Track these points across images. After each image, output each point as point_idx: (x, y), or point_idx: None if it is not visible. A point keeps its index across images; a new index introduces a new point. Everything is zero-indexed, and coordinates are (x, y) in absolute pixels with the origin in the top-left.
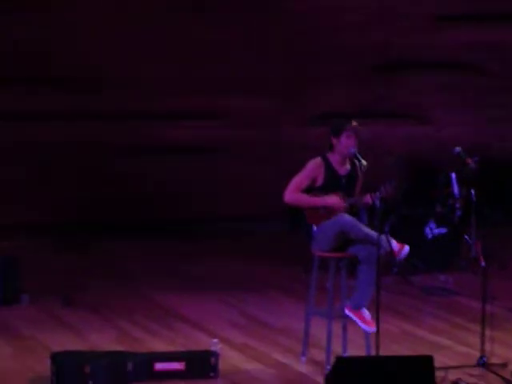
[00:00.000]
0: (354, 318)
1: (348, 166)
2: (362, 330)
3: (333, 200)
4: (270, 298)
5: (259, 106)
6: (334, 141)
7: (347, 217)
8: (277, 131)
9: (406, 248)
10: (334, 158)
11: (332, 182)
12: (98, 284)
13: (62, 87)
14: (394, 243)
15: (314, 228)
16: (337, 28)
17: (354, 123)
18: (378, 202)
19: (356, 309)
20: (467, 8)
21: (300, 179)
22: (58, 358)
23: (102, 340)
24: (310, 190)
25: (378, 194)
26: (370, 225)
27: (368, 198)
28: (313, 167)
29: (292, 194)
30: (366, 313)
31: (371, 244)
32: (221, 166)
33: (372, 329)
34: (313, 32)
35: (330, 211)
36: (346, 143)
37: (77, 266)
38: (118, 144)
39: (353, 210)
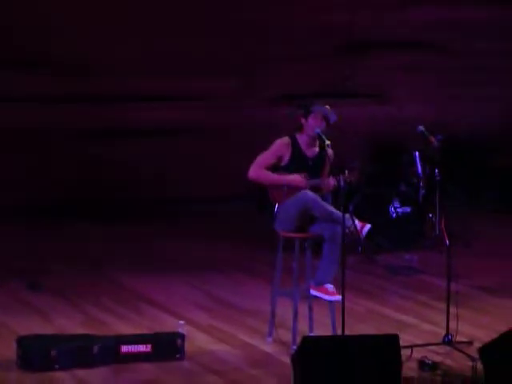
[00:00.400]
0: (318, 293)
1: (316, 149)
2: (327, 304)
3: (296, 179)
4: (236, 280)
5: (222, 87)
6: (303, 121)
7: (310, 194)
8: (240, 112)
9: (368, 226)
10: (302, 139)
11: (297, 163)
12: (64, 268)
13: (33, 71)
14: (357, 222)
15: (277, 207)
16: (300, 8)
17: (325, 106)
18: (342, 183)
19: (320, 285)
20: None
21: (266, 157)
22: (24, 342)
23: (69, 324)
24: (275, 169)
25: (341, 177)
26: (335, 204)
27: (331, 181)
28: (279, 146)
29: (256, 170)
30: (330, 286)
31: (335, 223)
32: (182, 148)
33: (336, 298)
34: (276, 12)
35: (293, 190)
36: (312, 124)
37: (43, 249)
38: (84, 127)
39: (317, 190)
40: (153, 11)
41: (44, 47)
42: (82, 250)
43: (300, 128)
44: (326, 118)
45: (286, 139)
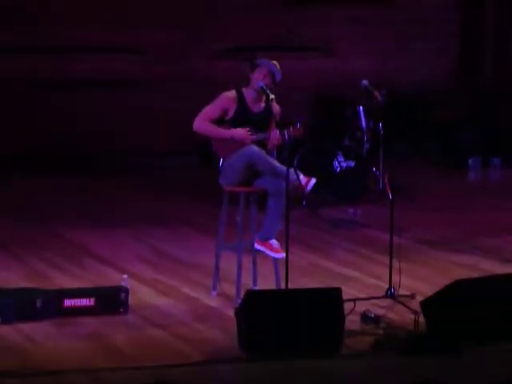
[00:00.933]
0: (263, 248)
1: (263, 104)
2: (271, 258)
3: (240, 133)
4: (181, 234)
5: (169, 40)
6: (250, 75)
7: (254, 148)
8: (187, 65)
9: (313, 180)
10: (248, 94)
11: (242, 117)
12: (8, 220)
13: None
14: (302, 176)
15: (221, 161)
16: None
17: (271, 61)
18: (286, 138)
19: (264, 240)
20: None
21: (211, 109)
22: None
23: (11, 277)
24: (219, 122)
25: (285, 132)
26: (279, 159)
27: (275, 136)
28: (225, 99)
29: (201, 122)
30: (275, 242)
31: (280, 177)
32: (131, 100)
33: (281, 255)
34: None
35: (237, 144)
36: (257, 78)
37: None
38: (29, 78)
39: (262, 145)
40: None
41: None
42: (28, 203)
43: (248, 82)
44: (271, 74)
45: (232, 93)
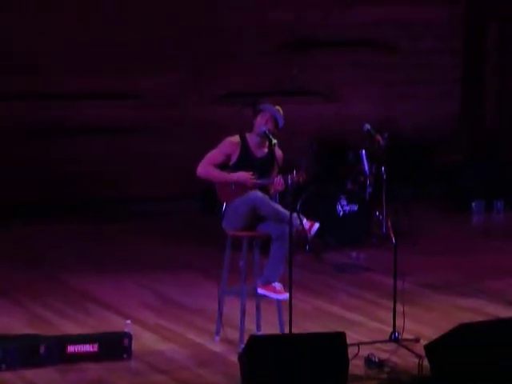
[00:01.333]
0: (266, 292)
1: (266, 150)
2: (275, 302)
3: (244, 176)
4: (184, 279)
5: (168, 85)
6: (253, 120)
7: (258, 193)
8: (186, 110)
9: (317, 225)
10: (252, 139)
11: (245, 163)
12: (8, 267)
13: None
14: (305, 221)
15: (225, 206)
16: (247, 6)
17: (274, 106)
18: (289, 183)
19: (267, 284)
20: None
21: (214, 154)
22: None
23: (14, 323)
24: (223, 167)
25: (289, 177)
26: (282, 203)
27: (279, 182)
28: (229, 144)
29: (205, 167)
30: (277, 284)
31: (283, 222)
32: (132, 146)
33: (283, 296)
34: (223, 9)
35: (241, 188)
36: (259, 122)
37: None
38: (27, 125)
39: (265, 189)
40: (96, 9)
41: None
42: (29, 249)
43: (251, 127)
44: (274, 119)
45: (235, 138)
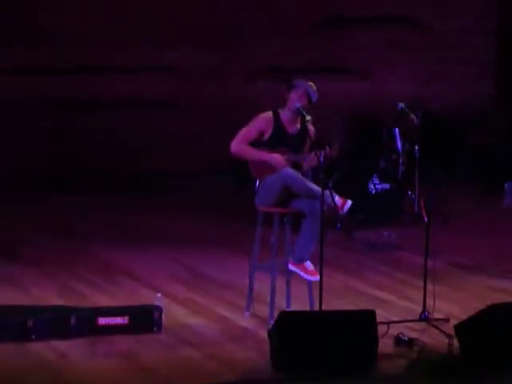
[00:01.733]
0: (297, 270)
1: (298, 126)
2: (306, 281)
3: (277, 159)
4: (216, 254)
5: (207, 60)
6: (286, 96)
7: (290, 170)
8: (225, 85)
9: (349, 202)
10: (284, 115)
11: (279, 139)
12: (42, 239)
13: (6, 43)
14: (337, 198)
15: (258, 182)
16: None
17: (307, 82)
18: (321, 159)
19: (299, 262)
20: None
21: (248, 131)
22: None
23: (45, 295)
24: (256, 143)
25: (321, 152)
26: (314, 180)
27: (312, 158)
28: (262, 121)
29: (238, 145)
30: (309, 264)
31: (315, 199)
32: (170, 121)
33: (315, 277)
34: None
35: (274, 166)
36: (293, 99)
37: (19, 221)
38: (62, 99)
39: (297, 168)
40: None
41: (18, 20)
42: (60, 221)
43: (285, 103)
44: (307, 95)
45: (268, 114)
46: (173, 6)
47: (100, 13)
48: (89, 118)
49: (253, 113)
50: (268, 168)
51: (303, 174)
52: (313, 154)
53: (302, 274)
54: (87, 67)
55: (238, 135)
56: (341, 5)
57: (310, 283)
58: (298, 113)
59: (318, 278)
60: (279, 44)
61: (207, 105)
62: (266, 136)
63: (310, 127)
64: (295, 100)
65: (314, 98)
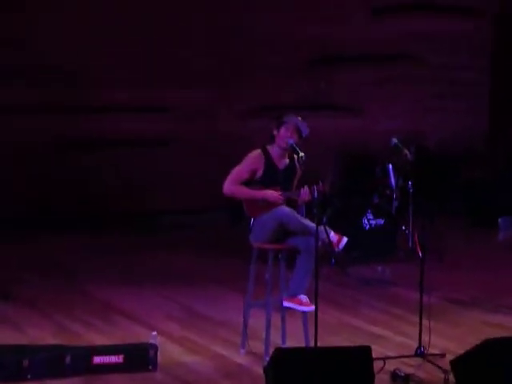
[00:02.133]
0: (292, 305)
1: (287, 160)
2: (301, 313)
3: (273, 195)
4: (210, 291)
5: (197, 99)
6: (275, 132)
7: (285, 209)
8: (215, 124)
9: (345, 239)
10: (273, 151)
11: (271, 176)
12: (37, 278)
13: (6, 82)
14: (333, 234)
15: (252, 220)
16: (275, 21)
17: (297, 117)
18: (315, 194)
19: (293, 296)
20: None
21: (239, 172)
22: None
23: (40, 334)
24: (248, 182)
25: (314, 187)
26: (309, 216)
27: (305, 193)
28: (253, 160)
29: (231, 185)
30: (303, 296)
31: (310, 235)
32: (160, 159)
33: (310, 308)
34: (250, 25)
35: (268, 203)
36: (284, 135)
37: (16, 260)
38: (60, 138)
39: (291, 204)
40: (129, 23)
41: (19, 58)
42: (55, 261)
43: (272, 139)
44: (298, 130)
45: (258, 152)
46: (165, 46)
47: (98, 52)
48: (82, 158)
49: (243, 150)
50: (262, 206)
51: (297, 210)
52: (306, 188)
53: (297, 307)
54: (83, 106)
55: (230, 176)
56: (331, 42)
57: (305, 319)
58: (292, 149)
59: (313, 308)
60: (270, 82)
61: (198, 143)
62: (259, 174)
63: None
64: (286, 136)
65: (305, 132)
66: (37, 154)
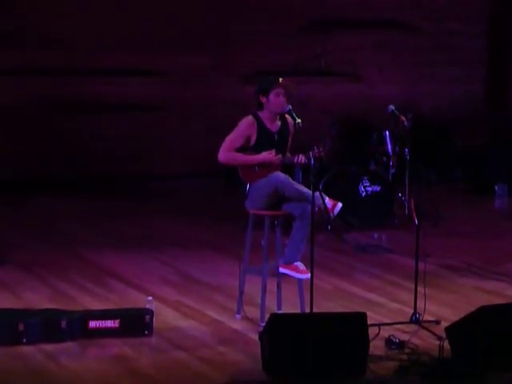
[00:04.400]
0: (288, 271)
1: (278, 122)
2: (298, 280)
3: (268, 157)
4: (206, 257)
5: (194, 64)
6: (263, 99)
7: (281, 175)
8: (212, 89)
9: (339, 205)
10: (264, 116)
11: (265, 140)
12: (33, 242)
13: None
14: (328, 200)
15: (248, 186)
16: None
17: (282, 79)
18: (312, 161)
19: (289, 263)
20: None
21: (234, 138)
22: None
23: (36, 298)
24: (243, 148)
25: (310, 153)
26: (305, 182)
27: (302, 158)
28: (246, 126)
29: (226, 153)
30: (299, 263)
31: (305, 201)
32: (156, 124)
33: (307, 275)
34: None
35: (264, 169)
36: (275, 101)
37: (11, 223)
38: (55, 101)
39: (287, 168)
40: None
41: (13, 22)
42: (49, 224)
43: (260, 106)
44: (286, 91)
45: (250, 118)
46: (161, 11)
47: (89, 14)
48: (77, 121)
49: (240, 116)
50: (258, 172)
51: (293, 176)
52: (301, 156)
53: (293, 273)
54: (73, 69)
55: (224, 144)
56: (328, 8)
57: (300, 285)
58: (290, 115)
59: (309, 275)
60: (267, 48)
61: (194, 108)
62: (253, 140)
63: (289, 120)
64: (276, 102)
65: (292, 89)
66: (26, 116)
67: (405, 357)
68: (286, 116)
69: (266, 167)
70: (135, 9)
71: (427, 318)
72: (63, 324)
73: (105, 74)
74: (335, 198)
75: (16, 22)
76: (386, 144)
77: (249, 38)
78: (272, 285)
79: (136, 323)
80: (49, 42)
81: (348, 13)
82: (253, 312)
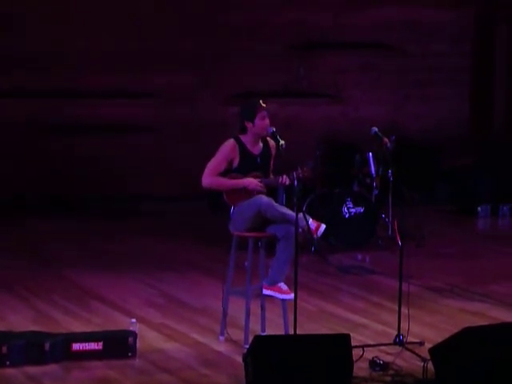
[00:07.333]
0: (271, 293)
1: (260, 145)
2: (281, 300)
3: (250, 182)
4: (190, 278)
5: (180, 84)
6: (249, 124)
7: (264, 198)
8: (198, 110)
9: (323, 226)
10: (246, 140)
11: (248, 163)
12: (16, 262)
13: None
14: (312, 221)
15: (232, 208)
16: (259, 6)
17: (263, 102)
18: (295, 182)
19: (273, 284)
20: None
21: (216, 163)
22: None
23: (19, 320)
24: (226, 172)
25: (294, 174)
26: (288, 204)
27: (285, 179)
28: (228, 150)
29: (209, 178)
30: (283, 284)
31: (289, 223)
32: (143, 145)
33: (290, 296)
34: (235, 10)
35: (247, 192)
36: (261, 125)
37: None
38: (42, 123)
39: (270, 191)
40: (116, 9)
41: (7, 45)
42: (34, 245)
43: (243, 130)
44: (268, 113)
45: (231, 142)
46: (148, 34)
47: (75, 38)
48: (63, 142)
49: (225, 136)
50: (242, 194)
51: (276, 198)
52: (285, 177)
53: (276, 294)
54: (62, 92)
55: (206, 169)
56: (314, 29)
57: (284, 306)
58: (273, 137)
59: (292, 296)
60: (253, 69)
61: (180, 129)
62: (235, 163)
63: (271, 142)
64: (262, 125)
65: (271, 110)
66: (16, 137)
67: (389, 378)
68: (268, 138)
69: (249, 191)
70: (122, 31)
71: (411, 339)
72: (46, 346)
73: (91, 95)
74: (319, 219)
75: (3, 46)
76: (370, 165)
77: (234, 59)
78: (256, 306)
79: (119, 345)
80: (36, 64)
81: (333, 35)
82: (237, 334)
